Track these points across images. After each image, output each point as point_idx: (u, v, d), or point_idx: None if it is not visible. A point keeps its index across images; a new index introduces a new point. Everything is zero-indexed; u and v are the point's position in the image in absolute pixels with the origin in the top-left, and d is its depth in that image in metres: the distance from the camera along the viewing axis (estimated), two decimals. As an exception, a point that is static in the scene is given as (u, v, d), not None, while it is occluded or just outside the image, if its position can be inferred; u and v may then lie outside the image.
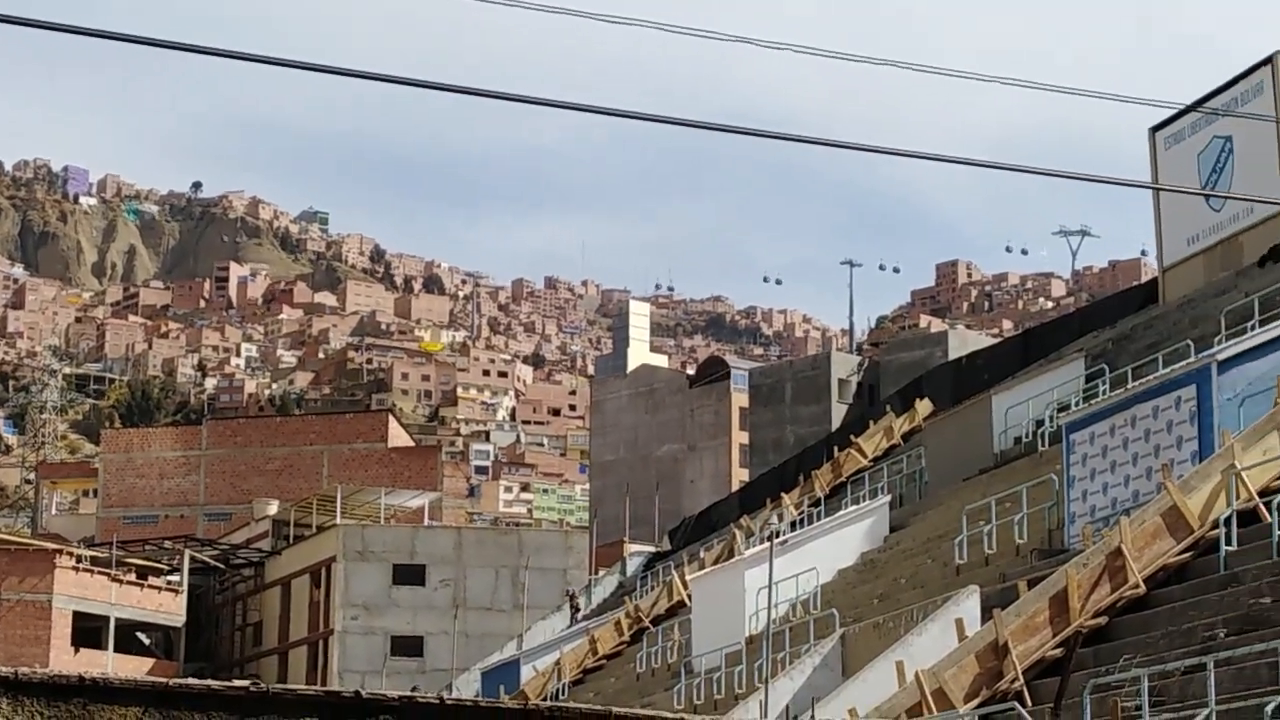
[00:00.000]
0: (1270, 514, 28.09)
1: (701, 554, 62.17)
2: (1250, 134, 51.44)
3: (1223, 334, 42.15)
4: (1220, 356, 34.06)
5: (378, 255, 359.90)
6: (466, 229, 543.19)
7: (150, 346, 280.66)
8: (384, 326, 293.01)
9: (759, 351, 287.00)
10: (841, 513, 51.31)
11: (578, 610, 68.71)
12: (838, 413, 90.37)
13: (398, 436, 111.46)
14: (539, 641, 65.75)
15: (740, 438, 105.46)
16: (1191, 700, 22.73)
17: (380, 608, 79.40)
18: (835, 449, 65.73)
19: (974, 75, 12.95)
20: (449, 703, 11.04)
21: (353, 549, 79.91)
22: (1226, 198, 51.57)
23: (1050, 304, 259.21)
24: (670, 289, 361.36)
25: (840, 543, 47.82)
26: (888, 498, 51.48)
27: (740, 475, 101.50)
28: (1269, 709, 20.51)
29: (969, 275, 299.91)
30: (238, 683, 10.75)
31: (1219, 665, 22.55)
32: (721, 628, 43.98)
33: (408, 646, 79.14)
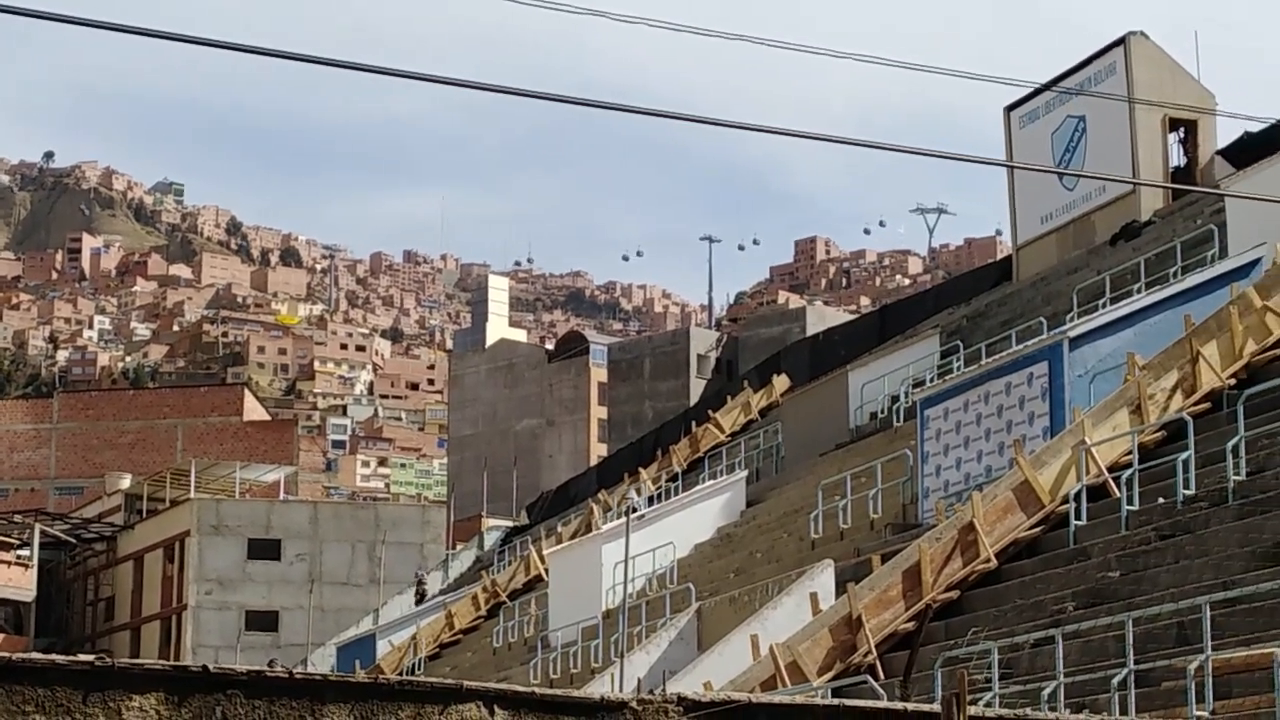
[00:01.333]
0: (1119, 489, 28.50)
1: (559, 529, 62.20)
2: (1103, 114, 52.09)
3: (1075, 311, 42.67)
4: (1072, 334, 34.48)
5: (234, 227, 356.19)
6: (325, 202, 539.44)
7: (0, 319, 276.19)
8: (240, 299, 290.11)
9: (618, 327, 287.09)
10: (699, 488, 51.51)
11: (424, 595, 68.36)
12: (696, 388, 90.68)
13: (253, 410, 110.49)
14: (395, 616, 65.52)
15: (599, 413, 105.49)
16: (1040, 672, 23.01)
17: (235, 582, 78.66)
18: (693, 424, 65.94)
19: (830, 52, 12.96)
20: (299, 677, 10.93)
21: (207, 523, 79.07)
22: (1079, 176, 52.19)
23: (907, 281, 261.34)
24: (530, 263, 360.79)
25: (697, 517, 47.99)
26: (744, 473, 51.70)
27: (599, 450, 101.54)
28: (1115, 681, 20.80)
29: (827, 252, 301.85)
30: (83, 657, 10.58)
31: (1067, 638, 22.85)
32: (578, 602, 44.01)
33: (262, 621, 78.44)
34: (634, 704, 10.99)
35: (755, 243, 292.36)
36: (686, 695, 10.89)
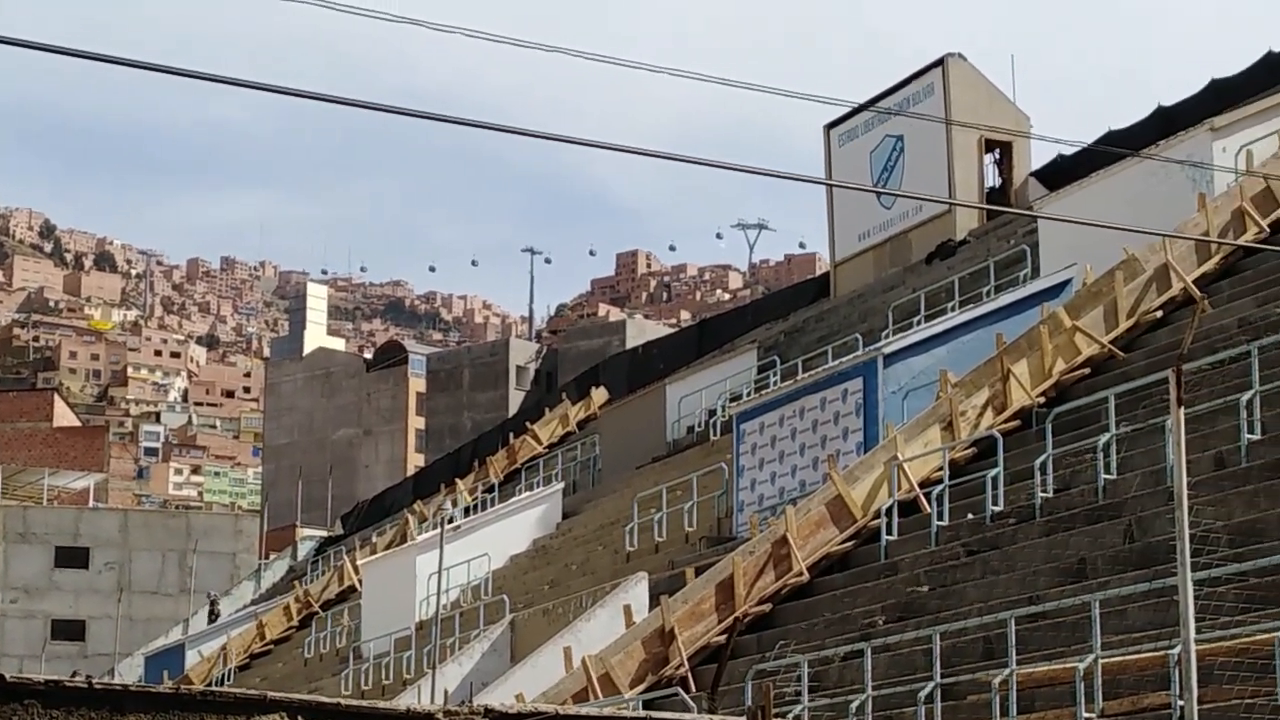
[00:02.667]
0: (930, 504, 28.84)
1: (374, 539, 61.78)
2: (921, 134, 52.74)
3: (890, 328, 43.14)
4: (886, 350, 34.87)
5: (48, 231, 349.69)
6: (143, 206, 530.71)
7: None
8: (53, 304, 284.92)
9: (438, 337, 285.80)
10: (515, 499, 51.40)
11: (216, 616, 67.27)
12: (515, 400, 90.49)
13: (64, 416, 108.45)
14: (205, 627, 64.62)
15: (417, 423, 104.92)
16: (849, 685, 23.20)
17: (41, 591, 77.22)
18: (511, 436, 65.80)
19: (648, 66, 12.98)
20: (98, 687, 10.70)
21: (13, 530, 77.57)
22: (897, 195, 52.80)
23: (727, 296, 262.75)
24: (350, 272, 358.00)
25: (513, 529, 47.88)
26: (561, 485, 51.69)
27: (416, 460, 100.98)
28: (922, 694, 21.02)
29: (648, 265, 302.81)
30: (-127, 666, 10.31)
31: (876, 651, 23.05)
32: (391, 613, 43.72)
33: (69, 630, 77.10)
34: (440, 715, 10.88)
35: (591, 253, 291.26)
36: (493, 706, 10.80)
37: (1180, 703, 15.66)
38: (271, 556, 78.40)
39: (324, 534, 79.08)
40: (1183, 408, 14.58)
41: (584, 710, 11.93)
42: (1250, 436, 23.45)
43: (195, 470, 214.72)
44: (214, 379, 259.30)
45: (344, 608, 50.81)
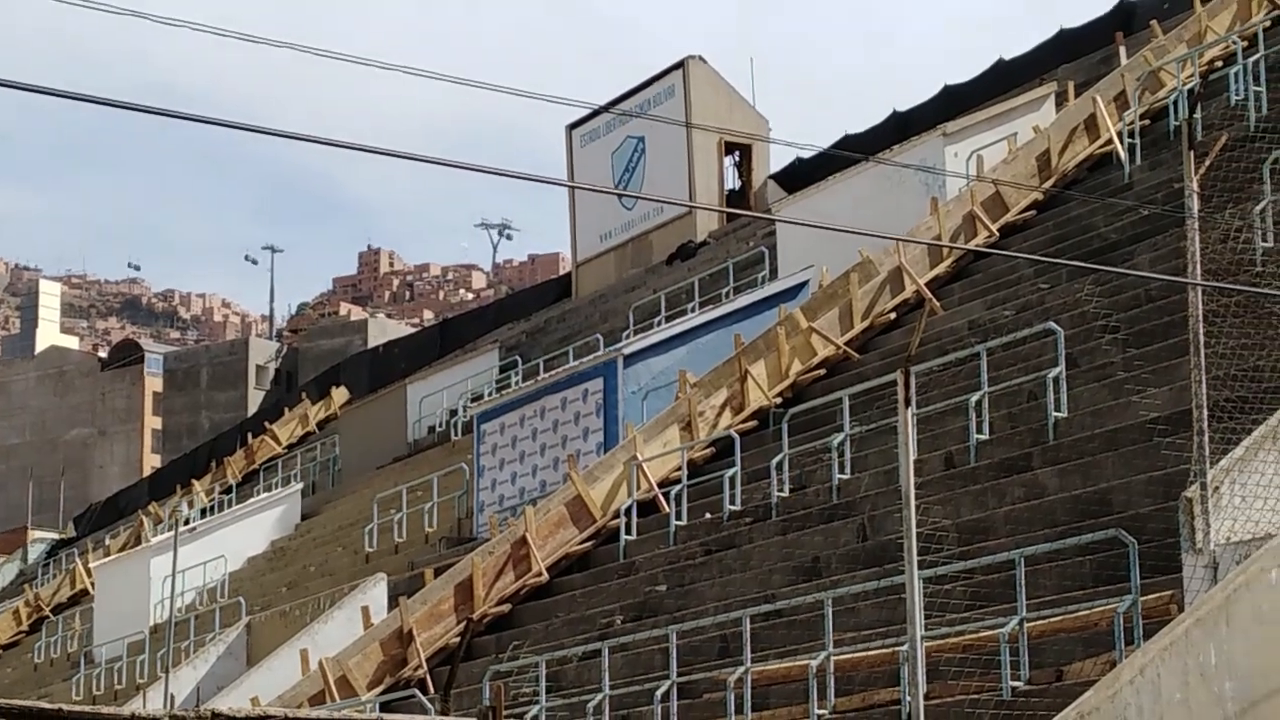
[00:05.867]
0: (668, 504, 29.02)
1: (108, 541, 60.59)
2: (661, 135, 53.07)
3: (631, 329, 43.37)
4: (627, 351, 35.04)
5: None
6: None
7: None
8: None
9: (176, 335, 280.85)
10: (253, 500, 50.78)
11: None
12: (255, 399, 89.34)
13: None
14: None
15: (154, 423, 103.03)
16: (587, 685, 23.25)
17: None
18: (250, 436, 64.94)
19: (381, 64, 12.84)
20: None
21: None
22: (638, 198, 53.09)
23: (471, 295, 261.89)
24: (85, 269, 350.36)
25: (250, 530, 47.30)
26: (300, 485, 51.19)
27: (153, 461, 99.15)
28: (659, 693, 21.14)
29: (391, 264, 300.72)
30: None
31: (614, 651, 23.13)
32: (125, 616, 42.93)
33: None
34: (166, 721, 10.68)
35: (377, 248, 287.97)
36: (221, 711, 10.62)
37: (909, 698, 15.93)
38: (0, 560, 76.36)
39: (56, 536, 77.25)
40: (911, 408, 14.84)
41: (314, 713, 11.80)
42: (979, 437, 23.95)
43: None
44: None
45: (76, 611, 49.74)
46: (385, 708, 24.75)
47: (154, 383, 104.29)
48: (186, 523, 49.50)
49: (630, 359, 34.62)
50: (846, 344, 31.68)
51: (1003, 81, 45.49)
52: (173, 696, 28.68)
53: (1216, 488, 16.00)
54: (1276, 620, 14.52)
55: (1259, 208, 23.17)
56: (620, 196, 54.51)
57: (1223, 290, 17.63)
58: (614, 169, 55.38)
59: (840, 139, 51.01)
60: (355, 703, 27.09)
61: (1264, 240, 22.74)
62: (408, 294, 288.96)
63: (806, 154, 50.92)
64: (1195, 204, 16.91)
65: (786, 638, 21.35)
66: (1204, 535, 15.81)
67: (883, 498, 23.85)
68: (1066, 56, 44.39)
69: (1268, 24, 32.50)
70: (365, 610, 31.65)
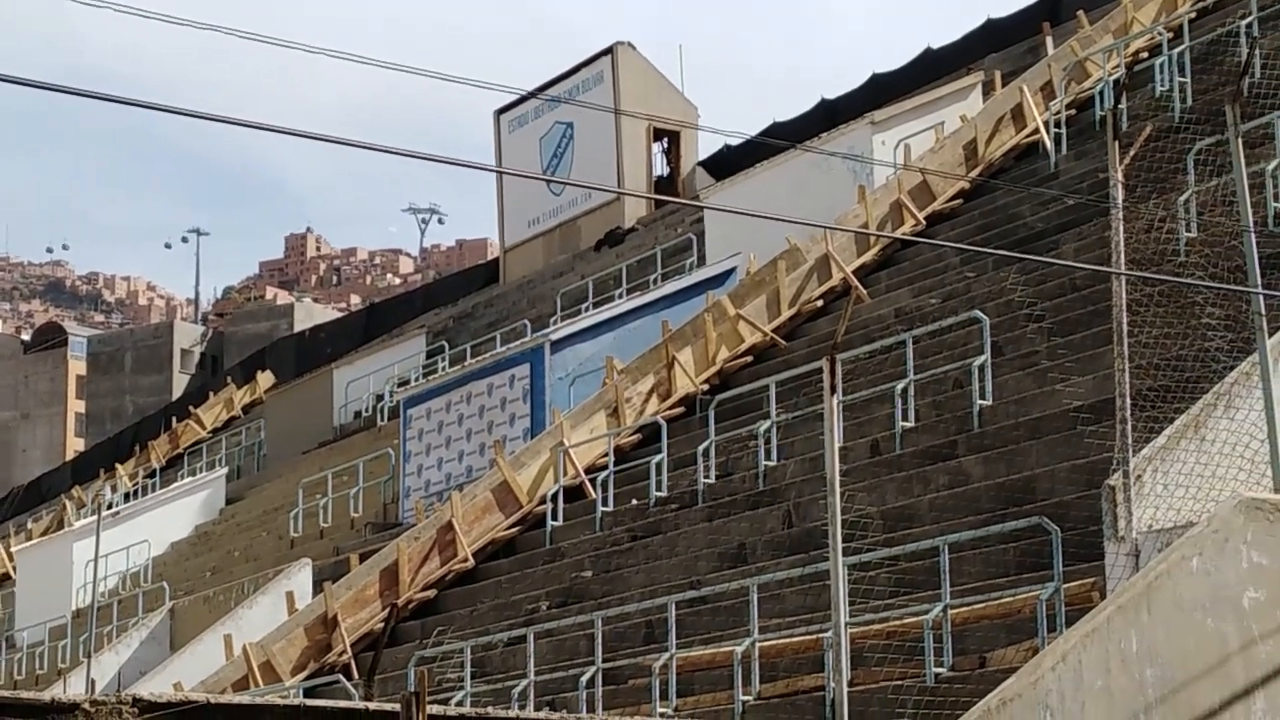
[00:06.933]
0: (595, 490, 29.03)
1: (30, 525, 60.07)
2: (590, 121, 53.00)
3: (558, 315, 43.32)
4: (554, 337, 35.04)
5: None
6: None
7: None
8: None
9: (100, 319, 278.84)
10: (177, 484, 50.53)
11: None
12: (180, 383, 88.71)
13: None
14: None
15: (77, 406, 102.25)
16: (513, 670, 23.24)
17: None
18: (174, 420, 64.55)
19: (308, 47, 12.75)
20: None
21: None
22: (566, 184, 53.03)
23: (399, 280, 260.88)
24: (6, 251, 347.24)
25: (174, 515, 47.07)
26: (225, 470, 50.98)
27: (76, 445, 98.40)
28: (584, 679, 21.15)
29: (318, 249, 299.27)
30: None
31: (540, 637, 23.13)
32: (47, 601, 42.65)
33: None
34: (87, 705, 10.62)
35: (303, 232, 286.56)
36: (142, 696, 10.57)
37: (833, 685, 15.99)
38: (-84, 545, 75.66)
39: (-24, 521, 76.59)
40: (837, 396, 14.89)
41: (236, 699, 11.75)
42: (904, 424, 24.05)
43: None
44: None
45: (-4, 596, 49.37)
46: (309, 693, 24.65)
47: (78, 366, 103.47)
48: (110, 507, 49.15)
49: (557, 345, 34.61)
50: (774, 331, 31.75)
51: (930, 71, 45.66)
52: (93, 682, 28.48)
53: (1139, 476, 16.10)
54: (1197, 607, 14.64)
55: (1183, 198, 23.33)
56: (548, 182, 54.42)
57: (1146, 280, 17.74)
58: (542, 155, 55.25)
59: (768, 127, 51.10)
60: (279, 688, 26.98)
61: (1187, 230, 22.90)
62: (335, 278, 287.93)
63: (735, 141, 51.00)
64: (1120, 194, 17.01)
65: (712, 624, 21.39)
66: (1126, 523, 15.92)
67: (808, 485, 23.91)
68: (994, 46, 44.60)
69: (1193, 15, 32.76)
70: (290, 596, 31.56)
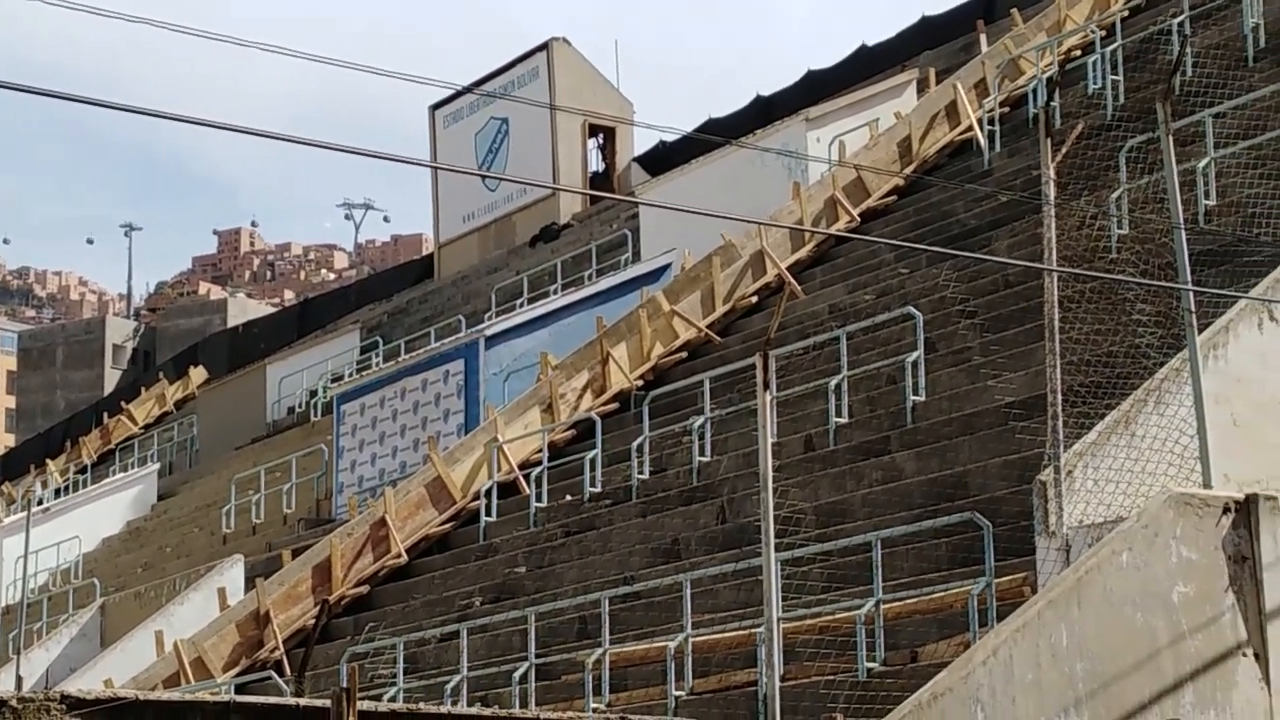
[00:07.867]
0: (529, 486, 28.98)
1: (-41, 522, 59.63)
2: (526, 117, 52.89)
3: (493, 310, 43.24)
4: (488, 332, 34.99)
5: None
6: None
7: None
8: None
9: (31, 314, 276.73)
10: (108, 480, 50.20)
11: None
12: (112, 379, 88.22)
13: None
14: None
15: (7, 402, 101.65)
16: (446, 666, 23.18)
17: None
18: (106, 415, 64.15)
19: (242, 41, 12.68)
20: None
21: None
22: (501, 179, 52.94)
23: (333, 276, 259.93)
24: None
25: (105, 511, 46.77)
26: (157, 466, 50.72)
27: (6, 440, 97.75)
28: (517, 675, 21.11)
29: (252, 244, 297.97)
30: None
31: (473, 633, 23.09)
32: (-26, 598, 42.30)
33: None
34: (14, 702, 10.52)
35: (237, 227, 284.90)
36: (70, 693, 10.48)
37: (765, 680, 16.01)
38: None
39: (-94, 516, 75.95)
40: (770, 391, 14.90)
41: (166, 695, 11.67)
42: (838, 420, 24.10)
43: None
44: None
45: (-75, 592, 48.93)
46: (241, 689, 24.55)
47: (8, 361, 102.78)
48: (40, 503, 48.86)
49: (492, 340, 34.56)
50: (708, 327, 31.77)
51: (865, 68, 45.78)
52: (21, 679, 28.25)
53: (1070, 471, 16.18)
54: (1127, 602, 14.73)
55: (1115, 195, 23.47)
56: (483, 178, 54.29)
57: (1078, 276, 17.82)
58: (477, 150, 55.13)
59: (704, 123, 51.15)
60: (211, 684, 26.85)
61: (1119, 227, 23.03)
62: (268, 273, 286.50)
63: (670, 137, 51.05)
64: (1052, 191, 17.09)
65: (645, 619, 21.40)
66: (1057, 518, 15.99)
67: (742, 480, 23.93)
68: (929, 43, 44.76)
69: (1125, 14, 32.95)
70: (222, 592, 31.40)
